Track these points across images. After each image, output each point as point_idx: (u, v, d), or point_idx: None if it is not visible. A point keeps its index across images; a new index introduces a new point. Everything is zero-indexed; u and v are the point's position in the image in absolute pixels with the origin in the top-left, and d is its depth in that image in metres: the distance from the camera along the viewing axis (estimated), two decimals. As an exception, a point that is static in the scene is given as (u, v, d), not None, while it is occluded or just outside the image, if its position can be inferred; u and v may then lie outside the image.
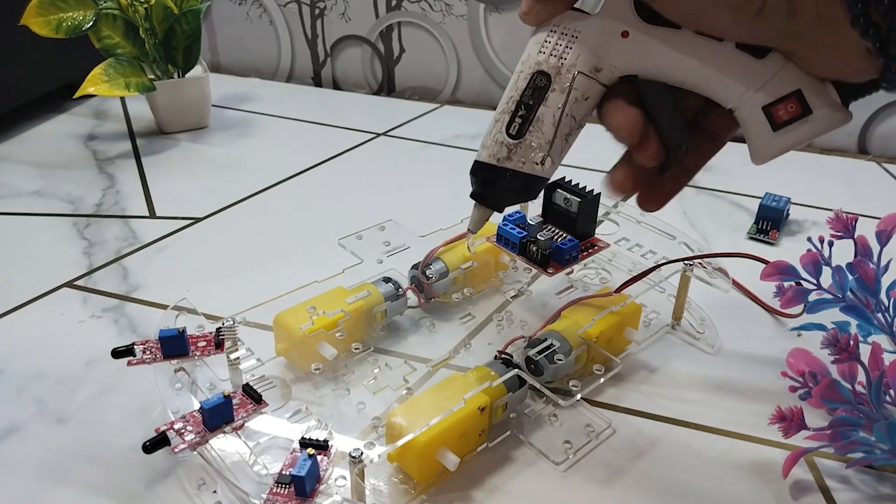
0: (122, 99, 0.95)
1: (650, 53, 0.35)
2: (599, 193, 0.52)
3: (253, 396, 0.42)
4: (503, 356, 0.47)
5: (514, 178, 0.38)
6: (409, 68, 1.03)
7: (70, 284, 0.60)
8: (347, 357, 0.50)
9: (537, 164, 0.38)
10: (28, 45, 0.81)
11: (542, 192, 0.52)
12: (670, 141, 0.37)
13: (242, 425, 0.41)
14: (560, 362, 0.46)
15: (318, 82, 1.09)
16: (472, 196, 0.41)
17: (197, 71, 0.87)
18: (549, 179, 0.39)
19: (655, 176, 0.39)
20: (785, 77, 0.34)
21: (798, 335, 0.54)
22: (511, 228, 0.51)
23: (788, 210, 0.69)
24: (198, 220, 0.69)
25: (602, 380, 0.46)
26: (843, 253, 0.46)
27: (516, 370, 0.44)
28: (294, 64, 1.08)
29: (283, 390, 0.48)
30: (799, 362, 0.42)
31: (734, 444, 0.46)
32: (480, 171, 0.39)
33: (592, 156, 0.80)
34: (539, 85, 0.36)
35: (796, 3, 0.30)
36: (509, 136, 0.37)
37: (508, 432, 0.45)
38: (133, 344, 0.44)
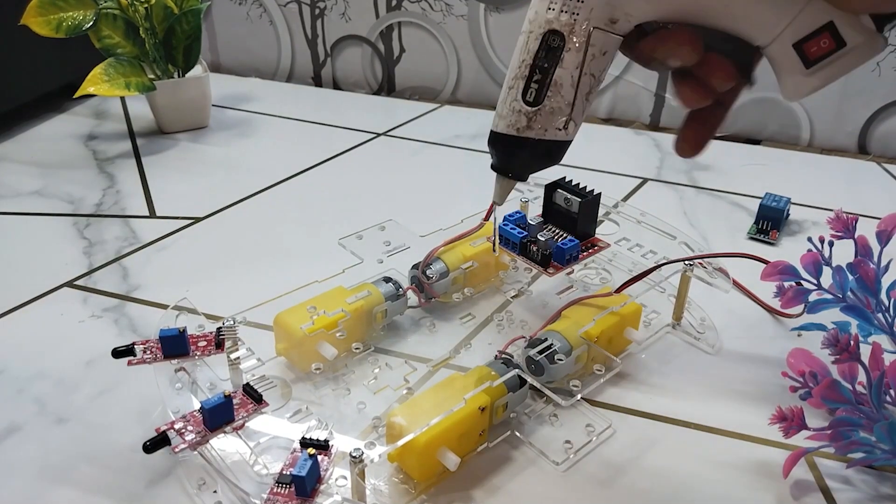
0: (122, 99, 0.95)
1: None
2: (600, 193, 0.52)
3: (253, 396, 0.42)
4: (503, 356, 0.47)
5: (537, 147, 0.36)
6: (409, 68, 1.03)
7: (70, 284, 0.60)
8: (348, 357, 0.50)
9: (560, 129, 0.36)
10: (28, 45, 0.81)
11: (543, 192, 0.52)
12: (736, 55, 0.35)
13: (243, 425, 0.41)
14: (560, 362, 0.46)
15: (318, 82, 1.08)
16: (493, 168, 0.39)
17: (197, 71, 0.87)
18: (571, 141, 0.37)
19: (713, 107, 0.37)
20: (815, 10, 0.32)
21: (798, 335, 0.54)
22: (511, 228, 0.51)
23: (788, 210, 0.69)
24: (198, 220, 0.69)
25: (602, 380, 0.46)
26: (843, 253, 0.46)
27: (517, 370, 0.44)
28: (294, 64, 1.08)
29: (284, 390, 0.48)
30: (799, 362, 0.42)
31: (734, 444, 0.46)
32: (500, 143, 0.37)
33: (592, 156, 0.81)
34: (553, 46, 0.34)
35: None
36: (526, 103, 0.35)
37: (509, 432, 0.45)
38: (133, 344, 0.44)
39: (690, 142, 0.38)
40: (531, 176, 0.44)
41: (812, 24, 0.32)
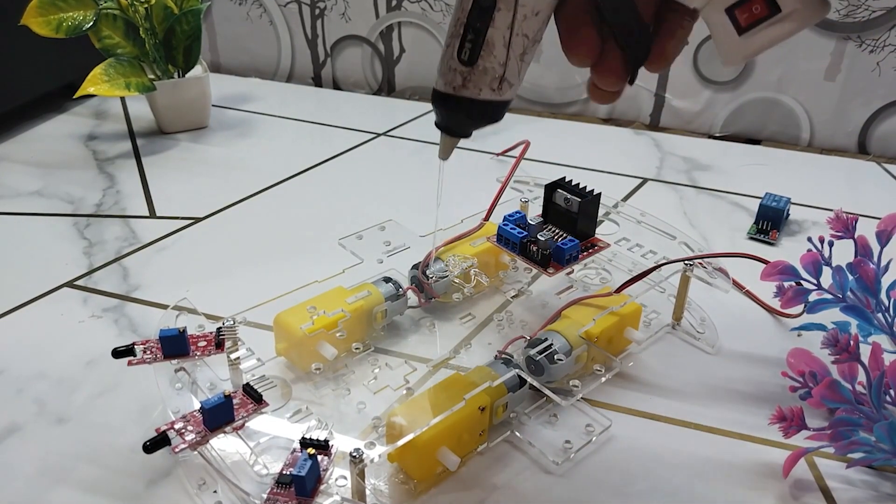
0: (122, 99, 0.95)
1: None
2: (600, 193, 0.52)
3: (253, 396, 0.42)
4: (503, 356, 0.47)
5: (473, 106, 0.36)
6: (409, 68, 1.03)
7: (70, 284, 0.60)
8: (348, 357, 0.50)
9: (494, 89, 0.35)
10: (28, 45, 0.81)
11: (543, 192, 0.52)
12: (632, 52, 0.35)
13: (243, 425, 0.41)
14: (560, 362, 0.46)
15: (318, 82, 1.08)
16: (436, 125, 0.39)
17: (197, 71, 0.87)
18: (510, 101, 0.37)
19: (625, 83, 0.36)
20: None
21: (798, 335, 0.54)
22: (511, 228, 0.51)
23: (788, 210, 0.69)
24: (198, 220, 0.69)
25: (602, 380, 0.46)
26: (843, 253, 0.46)
27: (517, 370, 0.44)
28: (294, 64, 1.08)
29: (284, 390, 0.48)
30: (799, 362, 0.42)
31: (734, 444, 0.46)
32: (440, 101, 0.37)
33: (592, 156, 0.81)
34: (484, 5, 0.33)
35: None
36: (461, 62, 0.35)
37: (509, 432, 0.45)
38: (133, 344, 0.44)
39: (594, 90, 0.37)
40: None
41: None
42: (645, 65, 0.35)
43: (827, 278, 0.46)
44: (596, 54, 0.35)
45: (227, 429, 0.40)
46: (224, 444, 0.42)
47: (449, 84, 0.36)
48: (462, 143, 0.39)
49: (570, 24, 0.34)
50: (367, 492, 0.39)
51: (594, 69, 0.35)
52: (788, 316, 0.56)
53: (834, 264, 0.46)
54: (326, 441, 0.40)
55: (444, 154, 0.40)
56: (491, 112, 0.36)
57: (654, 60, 0.35)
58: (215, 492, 0.41)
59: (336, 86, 1.08)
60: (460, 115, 0.37)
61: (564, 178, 0.52)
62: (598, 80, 0.35)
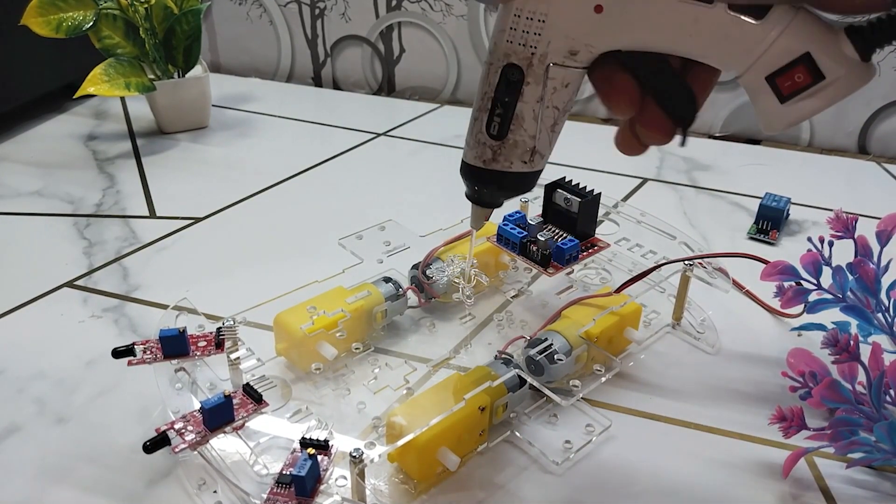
0: (122, 99, 0.95)
1: (630, 27, 0.31)
2: (600, 193, 0.52)
3: (253, 396, 0.42)
4: (503, 356, 0.47)
5: (505, 178, 0.36)
6: (409, 68, 1.03)
7: (70, 284, 0.60)
8: (348, 357, 0.50)
9: (525, 161, 0.35)
10: (28, 45, 0.81)
11: (543, 192, 0.52)
12: (677, 112, 0.33)
13: (243, 425, 0.41)
14: (560, 362, 0.46)
15: (318, 82, 1.08)
16: (467, 197, 0.39)
17: (197, 71, 0.87)
18: (541, 171, 0.37)
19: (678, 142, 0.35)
20: (790, 39, 0.29)
21: (798, 335, 0.54)
22: (511, 228, 0.51)
23: (788, 210, 0.69)
24: (198, 220, 0.69)
25: (602, 380, 0.46)
26: (843, 253, 0.46)
27: (517, 370, 0.44)
28: (294, 64, 1.08)
29: (284, 390, 0.48)
30: (799, 362, 0.42)
31: (734, 444, 0.46)
32: (470, 174, 0.37)
33: (592, 156, 0.81)
34: (512, 80, 0.33)
35: None
36: (491, 136, 0.35)
37: (509, 432, 0.45)
38: (133, 344, 0.44)
39: (629, 141, 0.35)
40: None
41: (786, 55, 0.30)
42: None
43: (827, 278, 0.46)
44: (637, 102, 0.33)
45: (227, 429, 0.40)
46: (224, 444, 0.42)
47: (479, 158, 0.36)
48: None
49: (604, 85, 0.33)
50: (367, 492, 0.39)
51: (639, 123, 0.34)
52: (788, 316, 0.56)
53: (834, 264, 0.46)
54: (326, 441, 0.40)
55: (477, 224, 0.40)
56: (522, 183, 0.37)
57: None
58: (215, 492, 0.41)
59: (336, 86, 1.08)
60: (491, 188, 0.37)
61: (564, 178, 0.52)
62: (643, 134, 0.34)
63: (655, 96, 0.33)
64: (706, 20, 0.30)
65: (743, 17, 0.30)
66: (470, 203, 0.39)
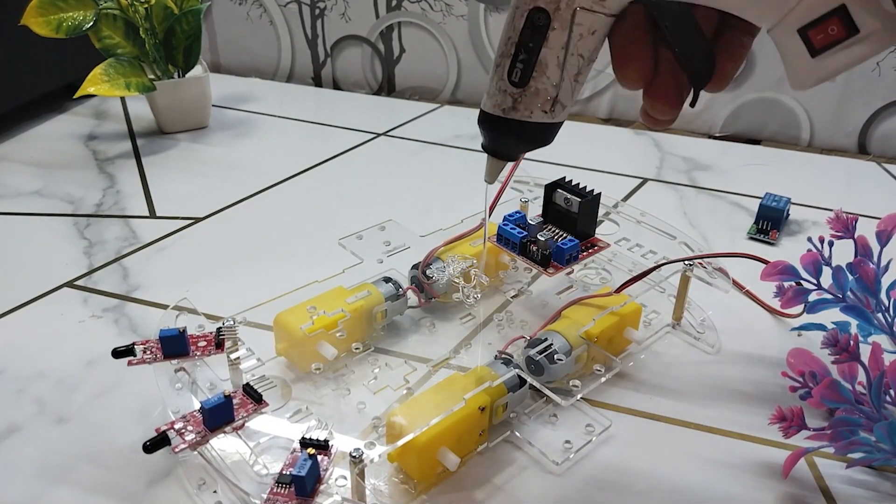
0: (122, 99, 0.95)
1: None
2: (600, 193, 0.52)
3: (253, 396, 0.42)
4: (503, 356, 0.47)
5: (523, 128, 0.34)
6: (409, 68, 1.03)
7: (70, 284, 0.60)
8: (348, 357, 0.50)
9: (546, 111, 0.34)
10: (28, 45, 0.81)
11: (543, 192, 0.52)
12: (694, 71, 0.33)
13: (243, 425, 0.41)
14: (560, 362, 0.46)
15: (318, 82, 1.08)
16: (483, 148, 0.37)
17: (197, 71, 0.87)
18: (562, 123, 0.35)
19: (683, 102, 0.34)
20: None
21: (798, 335, 0.54)
22: (511, 228, 0.51)
23: (788, 210, 0.69)
24: (198, 220, 0.69)
25: (602, 380, 0.46)
26: (843, 253, 0.46)
27: (517, 370, 0.44)
28: (294, 64, 1.08)
29: (284, 390, 0.48)
30: (799, 362, 0.42)
31: (734, 444, 0.46)
32: (487, 123, 0.35)
33: (592, 156, 0.81)
34: (538, 24, 0.32)
35: None
36: (512, 83, 0.33)
37: (509, 432, 0.45)
38: (133, 344, 0.44)
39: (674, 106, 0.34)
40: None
41: (820, 7, 0.29)
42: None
43: (827, 278, 0.46)
44: (648, 76, 0.33)
45: (227, 429, 0.40)
46: (224, 444, 0.42)
47: (498, 106, 0.34)
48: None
49: (623, 41, 0.33)
50: (367, 492, 0.39)
51: (646, 94, 0.34)
52: (788, 316, 0.56)
53: (834, 264, 0.46)
54: (326, 441, 0.40)
55: (491, 177, 0.39)
56: (541, 135, 0.35)
57: (714, 82, 0.34)
58: (215, 492, 0.41)
59: (336, 86, 1.08)
60: (509, 138, 0.36)
61: (564, 178, 0.52)
62: (649, 106, 0.34)
63: (676, 50, 0.32)
64: None
65: None
66: (486, 155, 0.38)
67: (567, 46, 0.32)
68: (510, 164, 0.41)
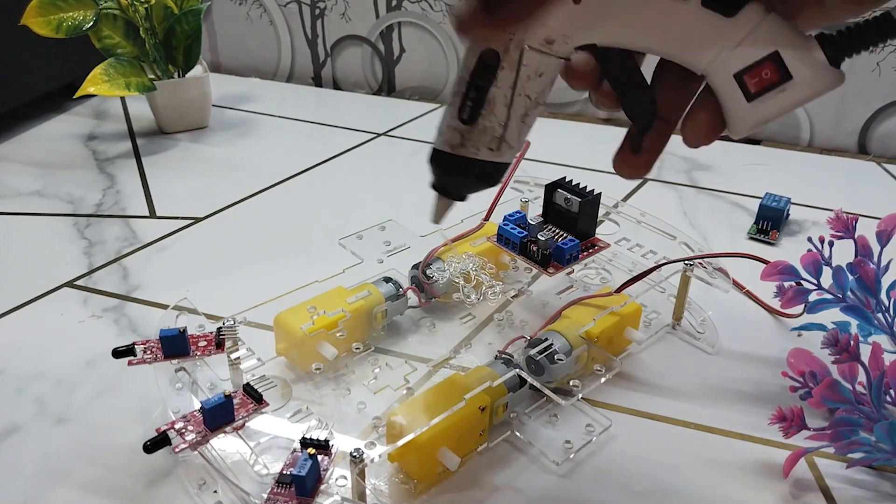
0: (122, 99, 0.95)
1: (606, 19, 0.31)
2: (600, 193, 0.52)
3: (253, 396, 0.42)
4: (504, 356, 0.47)
5: (470, 166, 0.35)
6: (409, 68, 1.03)
7: (70, 284, 0.60)
8: (348, 357, 0.50)
9: (492, 149, 0.34)
10: (28, 45, 0.81)
11: (543, 192, 0.52)
12: (636, 117, 0.34)
13: (243, 425, 0.41)
14: (560, 362, 0.46)
15: (318, 82, 1.08)
16: (431, 186, 0.38)
17: (197, 71, 0.87)
18: (509, 164, 0.36)
19: (635, 140, 0.35)
20: (760, 37, 0.30)
21: (798, 335, 0.54)
22: (511, 228, 0.51)
23: (788, 210, 0.69)
24: (198, 220, 0.69)
25: (602, 380, 0.46)
26: (843, 253, 0.46)
27: (517, 370, 0.44)
28: (294, 64, 1.08)
29: (284, 390, 0.48)
30: (799, 362, 0.42)
31: (734, 444, 0.46)
32: (436, 160, 0.36)
33: (592, 156, 0.81)
34: (488, 63, 0.33)
35: None
36: (461, 120, 0.34)
37: (509, 432, 0.45)
38: (133, 344, 0.44)
39: (639, 167, 0.36)
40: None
41: (755, 52, 0.30)
42: (685, 140, 0.35)
43: (827, 278, 0.46)
44: (594, 82, 0.34)
45: (228, 429, 0.40)
46: (224, 444, 0.42)
47: (447, 143, 0.35)
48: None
49: (578, 83, 0.34)
50: (367, 492, 0.39)
51: (597, 93, 0.35)
52: (788, 316, 0.56)
53: (834, 264, 0.46)
54: (326, 441, 0.40)
55: (437, 217, 0.39)
56: (487, 173, 0.36)
57: (659, 128, 0.35)
58: (215, 492, 0.41)
59: (336, 86, 1.08)
60: (456, 175, 0.36)
61: (564, 178, 0.52)
62: (599, 103, 0.35)
63: (620, 97, 0.34)
64: (680, 15, 0.31)
65: (715, 14, 0.30)
66: (434, 194, 0.38)
67: (514, 86, 0.33)
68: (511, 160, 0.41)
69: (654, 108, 0.34)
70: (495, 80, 0.33)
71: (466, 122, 0.34)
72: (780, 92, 0.31)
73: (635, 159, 0.35)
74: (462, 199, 0.38)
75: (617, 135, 0.36)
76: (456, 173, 0.36)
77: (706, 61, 0.31)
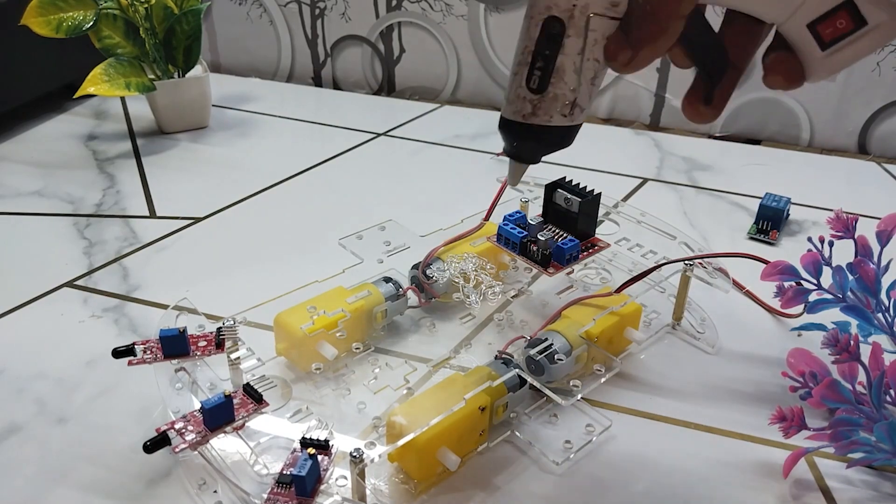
0: (122, 99, 0.95)
1: None
2: (600, 193, 0.52)
3: (253, 396, 0.42)
4: (503, 356, 0.47)
5: (544, 133, 0.35)
6: (409, 68, 1.03)
7: (70, 284, 0.60)
8: (348, 357, 0.50)
9: (565, 115, 0.35)
10: (28, 45, 0.81)
11: (543, 192, 0.52)
12: (710, 67, 0.34)
13: (243, 425, 0.41)
14: (560, 362, 0.46)
15: (318, 82, 1.08)
16: (504, 152, 0.38)
17: (197, 71, 0.87)
18: (581, 125, 0.36)
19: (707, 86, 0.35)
20: None
21: (798, 335, 0.54)
22: (511, 228, 0.51)
23: (788, 210, 0.69)
24: (198, 220, 0.69)
25: (602, 380, 0.46)
26: (843, 253, 0.46)
27: (517, 370, 0.44)
28: (294, 64, 1.08)
29: (284, 390, 0.48)
30: (799, 362, 0.42)
31: (734, 444, 0.46)
32: (508, 129, 0.36)
33: (592, 156, 0.81)
34: (553, 32, 0.33)
35: None
36: (530, 90, 0.34)
37: (509, 432, 0.45)
38: (133, 344, 0.44)
39: (701, 110, 0.36)
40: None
41: (829, 1, 0.30)
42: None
43: (827, 278, 0.46)
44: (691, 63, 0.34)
45: (228, 429, 0.40)
46: (224, 444, 0.42)
47: (518, 112, 0.35)
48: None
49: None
50: (367, 492, 0.39)
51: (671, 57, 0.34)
52: (788, 316, 0.56)
53: (834, 264, 0.46)
54: (326, 441, 0.40)
55: (514, 180, 0.40)
56: (562, 137, 0.36)
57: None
58: (215, 492, 0.41)
59: (336, 86, 1.08)
60: (530, 143, 0.37)
61: (564, 178, 0.52)
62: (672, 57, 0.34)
63: (688, 49, 0.33)
64: None
65: None
66: (508, 159, 0.39)
67: (583, 52, 0.33)
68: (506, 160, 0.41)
69: (726, 57, 0.34)
70: (562, 47, 0.33)
71: (536, 90, 0.34)
72: (855, 40, 0.30)
73: (708, 108, 0.35)
74: (536, 162, 0.39)
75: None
76: (530, 140, 0.36)
77: (777, 11, 0.31)
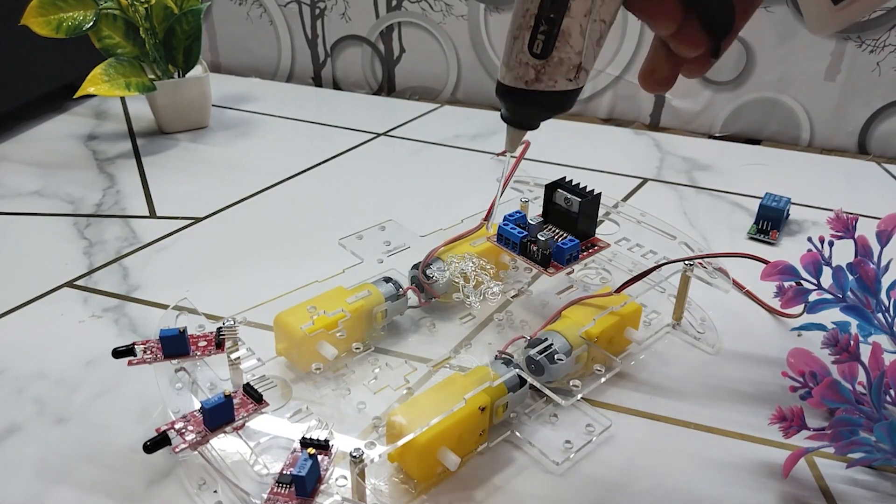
0: (122, 99, 0.95)
1: None
2: (600, 193, 0.52)
3: (253, 396, 0.42)
4: (503, 356, 0.47)
5: (547, 98, 0.34)
6: (409, 68, 1.03)
7: (70, 284, 0.60)
8: (348, 357, 0.50)
9: (570, 80, 0.34)
10: (28, 45, 0.81)
11: (543, 192, 0.52)
12: (715, 21, 0.33)
13: (243, 425, 0.41)
14: (560, 362, 0.46)
15: (318, 82, 1.08)
16: (503, 119, 0.37)
17: (197, 71, 0.87)
18: (583, 87, 0.35)
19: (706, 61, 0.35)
20: None
21: (798, 335, 0.54)
22: (511, 228, 0.51)
23: (788, 210, 0.69)
24: (198, 220, 0.69)
25: (602, 380, 0.46)
26: (843, 253, 0.46)
27: (517, 370, 0.44)
28: (294, 64, 1.08)
29: (284, 390, 0.48)
30: (799, 362, 0.42)
31: (734, 444, 0.46)
32: (509, 95, 0.35)
33: (592, 156, 0.81)
34: None
35: None
36: (534, 55, 0.33)
37: (509, 432, 0.45)
38: (134, 344, 0.44)
39: (654, 76, 0.35)
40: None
41: None
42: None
43: (827, 278, 0.46)
44: (679, 15, 0.33)
45: (228, 429, 0.40)
46: (224, 444, 0.42)
47: (519, 78, 0.34)
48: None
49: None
50: (368, 492, 0.39)
51: (676, 38, 0.34)
52: (788, 316, 0.56)
53: (834, 264, 0.46)
54: (326, 441, 0.40)
55: (513, 146, 0.38)
56: (565, 102, 0.35)
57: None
58: (215, 492, 0.41)
59: (336, 86, 1.08)
60: (532, 108, 0.36)
61: (564, 178, 0.52)
62: (675, 46, 0.34)
63: (698, 6, 0.33)
64: None
65: None
66: (506, 126, 0.38)
67: (590, 13, 0.32)
68: (511, 162, 0.41)
69: (734, 12, 0.33)
70: (568, 10, 0.32)
71: (540, 55, 0.33)
72: None
73: (709, 61, 0.35)
74: (535, 127, 0.38)
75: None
76: (532, 107, 0.35)
77: None
